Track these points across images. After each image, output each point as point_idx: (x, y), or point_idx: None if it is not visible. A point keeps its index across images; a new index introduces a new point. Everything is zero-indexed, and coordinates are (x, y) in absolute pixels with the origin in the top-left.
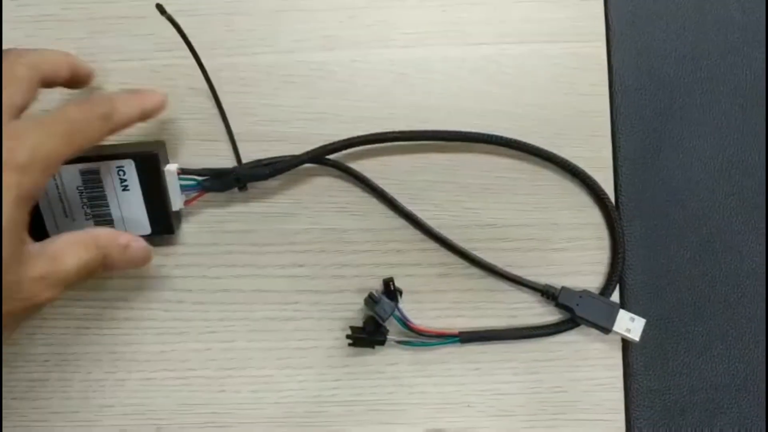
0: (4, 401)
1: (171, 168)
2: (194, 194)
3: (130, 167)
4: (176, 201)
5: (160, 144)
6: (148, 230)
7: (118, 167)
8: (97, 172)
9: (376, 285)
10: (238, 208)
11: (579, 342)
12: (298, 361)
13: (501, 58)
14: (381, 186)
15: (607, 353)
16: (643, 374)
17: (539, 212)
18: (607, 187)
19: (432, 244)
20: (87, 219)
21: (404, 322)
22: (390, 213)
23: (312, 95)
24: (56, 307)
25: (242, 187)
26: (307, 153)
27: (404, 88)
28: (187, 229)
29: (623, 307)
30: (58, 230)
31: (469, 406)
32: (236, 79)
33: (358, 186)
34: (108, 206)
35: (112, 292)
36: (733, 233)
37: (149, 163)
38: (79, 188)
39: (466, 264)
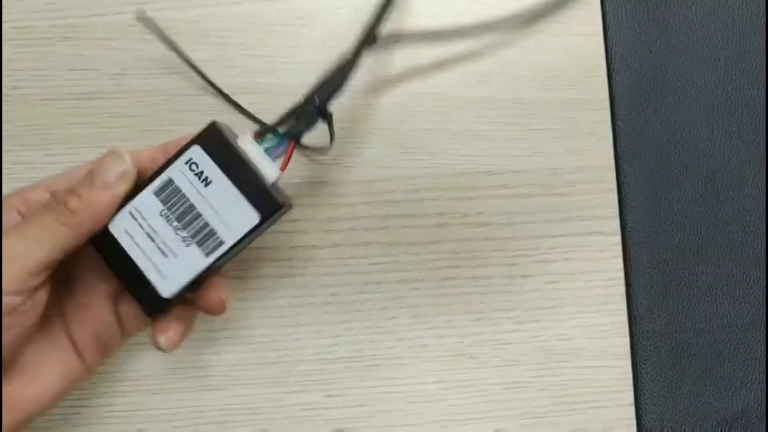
0: None
1: (244, 139)
2: (283, 152)
3: (199, 155)
4: (269, 172)
5: (211, 124)
6: (255, 218)
7: (187, 162)
8: (171, 182)
9: (372, 238)
10: None
11: (581, 288)
12: (294, 319)
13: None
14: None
15: (610, 298)
16: (647, 318)
17: (536, 158)
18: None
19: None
20: (187, 245)
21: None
22: (383, 163)
23: (296, 44)
24: None
25: (327, 118)
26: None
27: None
28: None
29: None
30: (164, 277)
31: (472, 357)
32: (216, 30)
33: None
34: (201, 214)
35: None
36: (735, 172)
37: (215, 138)
38: (164, 213)
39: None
